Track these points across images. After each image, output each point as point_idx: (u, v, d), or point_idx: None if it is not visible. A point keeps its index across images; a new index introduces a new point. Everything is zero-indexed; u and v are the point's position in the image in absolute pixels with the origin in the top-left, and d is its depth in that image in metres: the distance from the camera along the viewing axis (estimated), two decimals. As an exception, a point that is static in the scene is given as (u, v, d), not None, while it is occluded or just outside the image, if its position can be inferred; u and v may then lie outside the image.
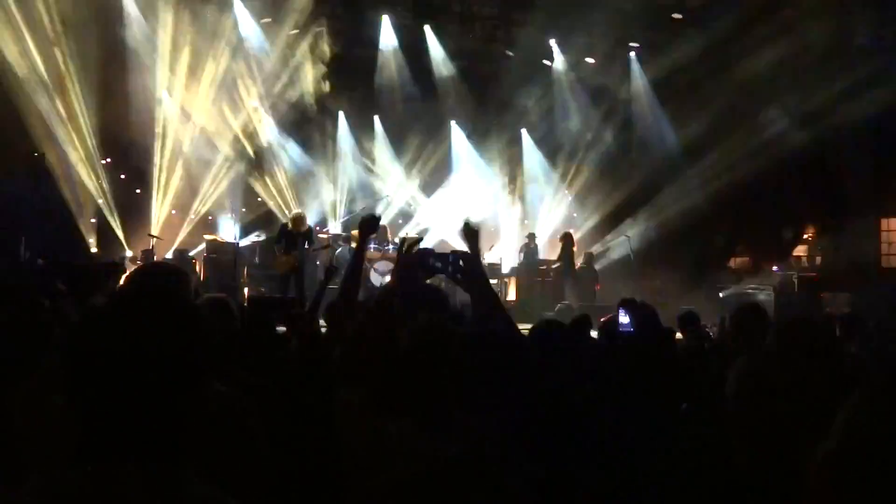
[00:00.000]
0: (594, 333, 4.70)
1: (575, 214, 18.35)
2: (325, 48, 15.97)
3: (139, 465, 1.20)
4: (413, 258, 2.21)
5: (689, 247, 14.34)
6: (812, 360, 2.37)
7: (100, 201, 14.60)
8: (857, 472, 1.26)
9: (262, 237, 14.97)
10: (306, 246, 12.03)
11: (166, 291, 1.35)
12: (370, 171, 17.72)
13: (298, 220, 12.03)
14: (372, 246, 13.64)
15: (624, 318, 3.09)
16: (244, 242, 14.48)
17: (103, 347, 1.21)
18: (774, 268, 13.71)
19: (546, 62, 17.29)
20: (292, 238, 11.81)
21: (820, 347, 2.51)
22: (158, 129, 15.28)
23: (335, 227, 16.23)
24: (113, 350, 1.21)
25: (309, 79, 16.26)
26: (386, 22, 16.06)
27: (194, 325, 1.31)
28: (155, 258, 12.87)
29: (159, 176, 15.43)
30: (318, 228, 16.46)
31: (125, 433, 1.21)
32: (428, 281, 2.71)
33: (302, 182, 16.98)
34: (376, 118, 17.48)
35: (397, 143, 17.67)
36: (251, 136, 16.37)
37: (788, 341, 2.52)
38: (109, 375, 1.20)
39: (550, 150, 18.41)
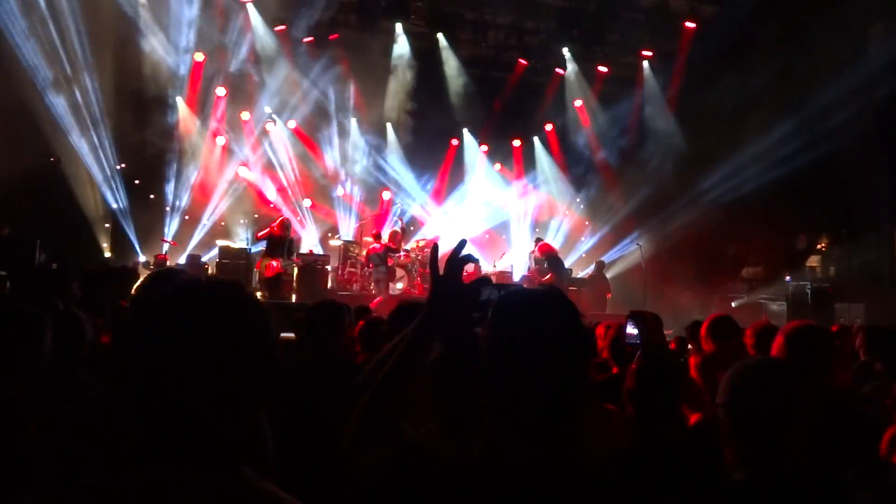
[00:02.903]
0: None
1: (587, 222, 18.34)
2: (339, 56, 16.05)
3: (206, 471, 1.14)
4: (465, 289, 1.63)
5: (701, 256, 14.27)
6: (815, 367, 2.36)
7: (114, 206, 14.72)
8: None
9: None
10: (291, 255, 12.28)
11: (241, 285, 1.26)
12: (382, 177, 17.77)
13: (283, 226, 12.23)
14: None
15: (632, 330, 3.10)
16: (256, 248, 14.58)
17: (188, 332, 1.15)
18: (787, 278, 13.62)
19: (559, 70, 17.31)
20: (277, 243, 12.01)
21: (823, 355, 2.51)
22: (173, 135, 15.43)
23: (347, 235, 16.28)
24: (196, 335, 1.14)
25: (323, 86, 16.35)
26: (399, 30, 16.12)
27: (267, 320, 1.24)
28: (168, 263, 12.96)
29: (174, 182, 15.57)
30: (329, 236, 16.55)
31: (196, 434, 1.15)
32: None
33: (313, 189, 17.04)
34: (389, 125, 17.54)
35: (410, 150, 17.72)
36: (266, 142, 16.50)
37: (795, 348, 2.52)
38: (187, 363, 1.14)
39: (562, 159, 18.42)
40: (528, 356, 1.36)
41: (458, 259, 1.63)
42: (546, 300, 1.44)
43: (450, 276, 1.62)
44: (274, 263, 11.96)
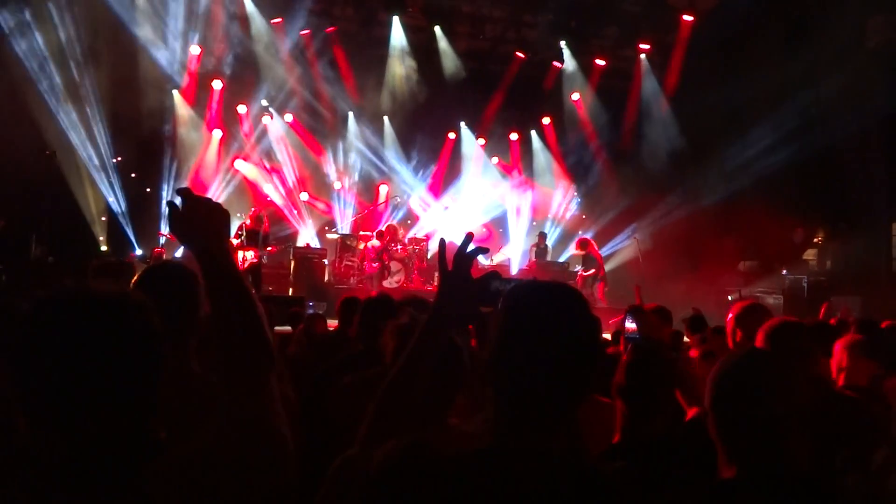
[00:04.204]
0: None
1: (584, 216, 18.34)
2: (336, 48, 16.01)
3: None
4: (475, 283, 1.66)
5: (697, 249, 14.27)
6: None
7: (110, 199, 14.69)
8: None
9: None
10: (267, 248, 12.31)
11: (113, 293, 1.29)
12: (379, 171, 17.74)
13: (257, 219, 12.28)
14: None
15: (630, 325, 3.10)
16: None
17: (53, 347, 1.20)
18: (784, 271, 13.63)
19: (556, 63, 17.27)
20: (250, 235, 12.05)
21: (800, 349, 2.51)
22: (170, 129, 15.40)
23: (343, 229, 16.26)
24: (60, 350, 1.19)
25: (319, 79, 16.31)
26: (396, 23, 16.07)
27: (141, 326, 1.27)
28: (164, 257, 12.94)
29: (170, 175, 15.54)
30: (326, 229, 16.54)
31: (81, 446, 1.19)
32: None
33: (310, 182, 17.00)
34: (386, 118, 17.50)
35: (407, 143, 17.69)
36: (262, 135, 16.48)
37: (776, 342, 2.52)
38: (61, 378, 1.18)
39: (560, 152, 18.39)
40: (537, 347, 1.36)
41: (466, 253, 1.63)
42: (556, 292, 1.44)
43: (459, 270, 1.63)
44: (249, 255, 11.98)
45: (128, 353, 1.23)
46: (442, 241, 1.71)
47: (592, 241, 14.31)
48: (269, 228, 12.62)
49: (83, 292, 1.26)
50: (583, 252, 13.98)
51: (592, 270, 13.70)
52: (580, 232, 18.01)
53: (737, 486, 1.64)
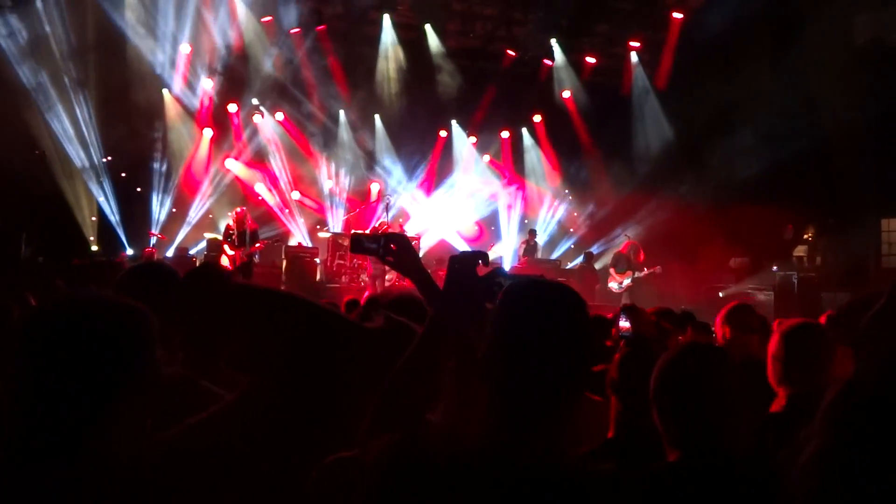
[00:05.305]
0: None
1: (576, 213, 18.38)
2: (326, 47, 15.98)
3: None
4: (479, 281, 1.64)
5: (688, 246, 14.32)
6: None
7: (100, 199, 14.63)
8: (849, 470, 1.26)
9: None
10: (255, 244, 12.33)
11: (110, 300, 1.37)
12: (370, 169, 17.72)
13: (239, 218, 12.26)
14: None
15: (624, 324, 3.14)
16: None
17: (46, 347, 1.26)
18: (774, 268, 13.69)
19: (547, 61, 17.29)
20: (239, 235, 12.06)
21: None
22: (160, 128, 15.35)
23: (336, 227, 16.24)
24: (53, 351, 1.25)
25: (310, 78, 16.27)
26: (387, 21, 16.05)
27: (134, 330, 1.32)
28: (155, 257, 12.91)
29: (161, 175, 15.50)
30: (318, 228, 16.51)
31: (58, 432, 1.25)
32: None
33: (301, 181, 16.97)
34: (377, 117, 17.48)
35: (398, 141, 17.67)
36: (253, 134, 16.43)
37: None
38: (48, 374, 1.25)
39: (551, 150, 18.42)
40: (531, 345, 1.38)
41: (471, 252, 1.68)
42: (553, 291, 1.46)
43: (463, 268, 1.64)
44: (232, 253, 12.01)
45: (100, 358, 1.28)
46: (453, 259, 1.68)
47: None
48: (255, 226, 12.59)
49: (75, 301, 1.34)
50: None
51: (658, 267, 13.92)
52: (571, 229, 18.07)
53: (677, 469, 1.78)
